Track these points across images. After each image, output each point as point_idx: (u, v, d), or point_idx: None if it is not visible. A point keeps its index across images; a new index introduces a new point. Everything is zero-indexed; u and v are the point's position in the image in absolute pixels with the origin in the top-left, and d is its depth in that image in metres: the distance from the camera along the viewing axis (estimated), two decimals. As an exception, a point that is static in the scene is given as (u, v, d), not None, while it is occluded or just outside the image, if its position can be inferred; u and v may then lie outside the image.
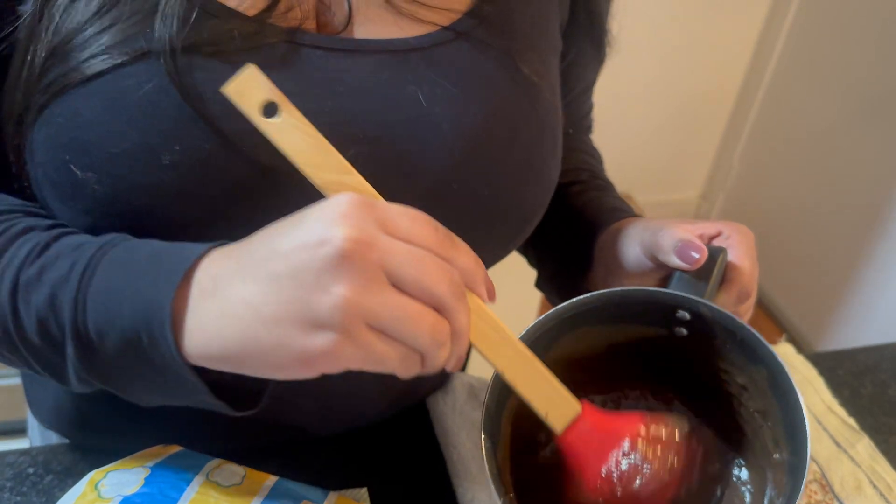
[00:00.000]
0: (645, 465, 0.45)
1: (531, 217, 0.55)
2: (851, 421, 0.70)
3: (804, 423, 0.44)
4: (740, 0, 2.10)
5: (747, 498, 0.51)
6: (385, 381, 0.62)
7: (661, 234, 0.51)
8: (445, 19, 0.48)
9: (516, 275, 0.74)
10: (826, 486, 0.64)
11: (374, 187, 0.41)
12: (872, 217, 1.87)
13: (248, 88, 0.37)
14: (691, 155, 2.41)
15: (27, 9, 0.44)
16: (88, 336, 0.40)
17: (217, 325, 0.37)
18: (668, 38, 2.07)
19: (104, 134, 0.42)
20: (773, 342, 0.81)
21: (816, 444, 0.68)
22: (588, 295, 0.48)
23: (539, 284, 0.69)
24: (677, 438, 0.46)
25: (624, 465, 0.44)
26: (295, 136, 0.37)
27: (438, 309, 0.37)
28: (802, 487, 0.43)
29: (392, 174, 0.45)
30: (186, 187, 0.43)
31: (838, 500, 0.63)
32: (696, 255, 0.49)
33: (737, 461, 0.52)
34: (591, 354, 0.52)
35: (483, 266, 0.39)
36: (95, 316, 0.39)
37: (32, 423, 0.72)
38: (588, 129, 0.75)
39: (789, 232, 2.13)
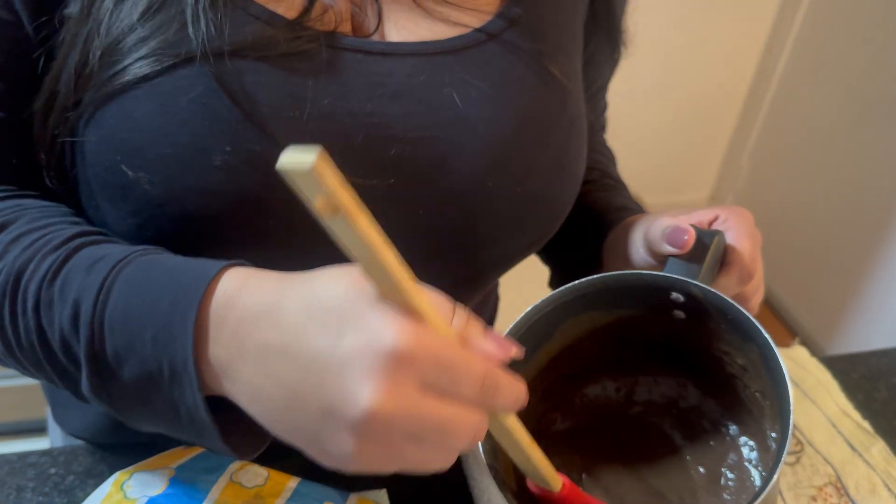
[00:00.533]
0: None
1: (560, 215, 0.56)
2: (866, 424, 0.70)
3: (789, 402, 0.44)
4: (749, 1, 2.10)
5: (756, 478, 0.51)
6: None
7: (650, 229, 0.52)
8: (476, 21, 0.49)
9: (531, 273, 0.75)
10: (841, 489, 0.64)
11: (414, 188, 0.40)
12: (884, 218, 1.86)
13: (306, 178, 0.30)
14: (700, 156, 2.41)
15: (73, 11, 0.44)
16: (105, 358, 0.39)
17: (243, 396, 0.36)
18: (677, 39, 2.07)
19: (156, 135, 0.43)
20: (786, 345, 0.82)
21: (831, 448, 0.68)
22: (582, 280, 0.49)
23: (552, 283, 0.69)
24: None
25: None
26: (351, 236, 0.32)
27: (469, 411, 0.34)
28: (781, 463, 0.42)
29: (430, 174, 0.46)
30: (238, 188, 0.43)
31: (853, 502, 0.63)
32: (685, 237, 0.50)
33: (747, 442, 0.53)
34: (600, 341, 0.52)
35: (521, 387, 0.37)
36: (114, 341, 0.38)
37: (53, 424, 0.73)
38: (602, 128, 0.75)
39: (799, 233, 2.13)
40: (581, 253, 0.64)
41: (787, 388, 0.44)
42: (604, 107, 0.73)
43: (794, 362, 0.77)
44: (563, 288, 0.49)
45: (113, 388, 0.39)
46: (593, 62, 0.63)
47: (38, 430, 1.43)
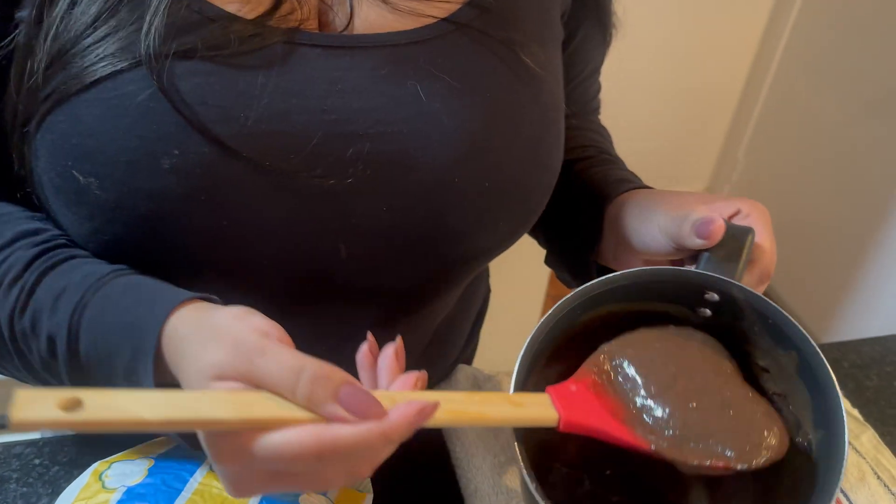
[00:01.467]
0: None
1: (536, 207, 0.55)
2: (855, 412, 0.70)
3: (840, 407, 0.44)
4: (741, 10, 2.09)
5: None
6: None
7: (683, 223, 0.50)
8: (444, 12, 0.48)
9: (524, 257, 0.74)
10: (830, 477, 0.64)
11: (376, 185, 0.40)
12: (878, 210, 1.86)
13: (28, 405, 0.29)
14: (697, 148, 2.40)
15: (23, 16, 0.44)
16: (81, 360, 0.42)
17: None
18: (673, 32, 2.06)
19: (105, 140, 0.42)
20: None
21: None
22: (617, 274, 0.48)
23: (549, 261, 0.68)
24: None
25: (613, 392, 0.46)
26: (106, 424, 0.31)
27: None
28: (843, 468, 0.43)
29: (393, 171, 0.45)
30: (188, 191, 0.43)
31: (842, 491, 0.63)
32: (711, 227, 0.48)
33: None
34: (615, 333, 0.51)
35: (402, 426, 0.36)
36: (94, 375, 0.42)
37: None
38: (596, 110, 0.75)
39: (794, 224, 2.12)
40: (579, 228, 0.63)
41: (838, 397, 0.44)
42: (597, 89, 0.73)
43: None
44: (595, 281, 0.48)
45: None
46: (584, 47, 0.63)
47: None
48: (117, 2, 0.42)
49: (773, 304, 0.46)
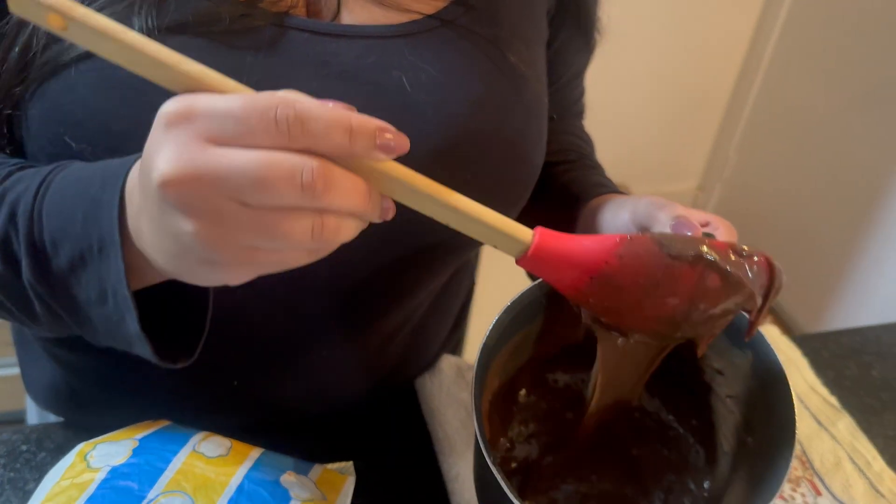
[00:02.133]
0: (621, 290, 0.41)
1: (516, 201, 0.56)
2: (833, 400, 0.71)
3: (791, 403, 0.44)
4: (732, 6, 2.11)
5: (706, 483, 0.51)
6: (371, 361, 0.63)
7: (661, 209, 0.50)
8: (431, 8, 0.49)
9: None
10: (806, 462, 0.65)
11: None
12: (865, 205, 1.87)
13: (32, 6, 0.31)
14: (688, 146, 2.41)
15: None
16: (43, 246, 0.40)
17: (148, 246, 0.37)
18: (664, 29, 2.07)
19: (98, 109, 0.43)
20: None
21: (798, 423, 0.68)
22: None
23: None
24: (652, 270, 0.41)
25: (599, 288, 0.41)
26: (99, 42, 0.33)
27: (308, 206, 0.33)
28: (789, 468, 0.43)
29: None
30: None
31: (818, 475, 0.64)
32: (690, 233, 0.48)
33: (694, 448, 0.53)
34: (569, 332, 0.52)
35: (367, 129, 0.33)
36: (50, 227, 0.40)
37: (30, 407, 0.74)
38: (579, 114, 0.75)
39: (785, 222, 2.14)
40: (555, 229, 0.64)
41: (790, 396, 0.45)
42: (580, 93, 0.74)
43: (765, 341, 0.78)
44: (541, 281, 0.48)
45: (51, 278, 0.41)
46: (565, 51, 0.63)
47: (18, 421, 1.44)
48: None
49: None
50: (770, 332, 0.80)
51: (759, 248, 0.46)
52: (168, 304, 0.44)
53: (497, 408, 0.52)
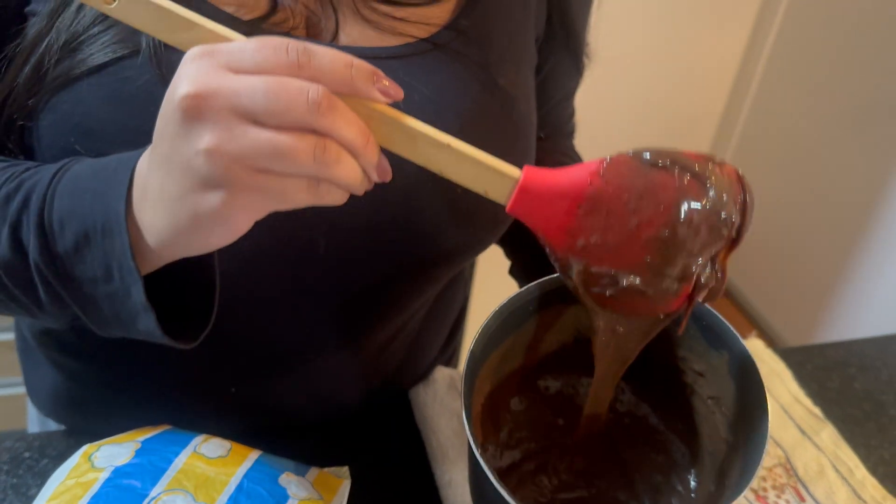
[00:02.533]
0: (608, 213, 0.41)
1: (503, 217, 0.58)
2: (817, 410, 0.73)
3: (765, 399, 0.46)
4: (725, 15, 2.15)
5: (692, 483, 0.53)
6: (367, 369, 0.65)
7: None
8: (425, 33, 0.52)
9: (507, 264, 0.77)
10: (790, 469, 0.66)
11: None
12: (853, 224, 1.91)
13: None
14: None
15: (35, 8, 0.47)
16: (51, 227, 0.42)
17: (149, 217, 0.39)
18: (654, 51, 2.11)
19: (107, 120, 0.46)
20: (744, 337, 0.84)
21: (782, 432, 0.70)
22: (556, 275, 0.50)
23: (512, 272, 0.72)
24: (633, 182, 0.41)
25: (587, 218, 0.41)
26: (138, 10, 0.39)
27: (309, 128, 0.35)
28: (760, 464, 0.44)
29: None
30: None
31: (802, 483, 0.66)
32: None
33: (680, 449, 0.55)
34: (559, 339, 0.54)
35: (365, 68, 0.37)
36: (60, 207, 0.42)
37: (32, 416, 0.75)
38: (570, 134, 0.78)
39: (774, 239, 2.17)
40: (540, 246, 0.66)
41: (763, 392, 0.46)
42: (570, 113, 0.76)
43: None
44: (539, 281, 0.50)
45: (57, 259, 0.42)
46: (555, 73, 0.66)
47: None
48: None
49: (707, 307, 0.48)
50: (754, 345, 0.82)
51: (749, 265, 0.48)
52: (173, 292, 0.45)
53: (489, 413, 0.54)
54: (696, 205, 0.40)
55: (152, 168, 0.39)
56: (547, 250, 0.43)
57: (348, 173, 0.37)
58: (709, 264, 0.42)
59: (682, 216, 0.40)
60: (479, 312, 0.87)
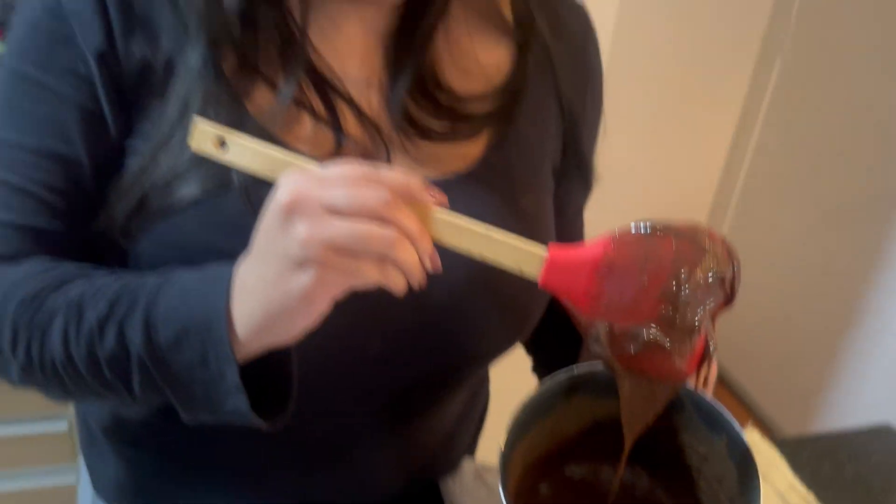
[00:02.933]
0: (622, 275, 0.50)
1: (531, 321, 0.66)
2: (811, 497, 0.80)
3: (757, 476, 0.52)
4: (706, 126, 2.30)
5: None
6: (404, 462, 0.72)
7: None
8: (461, 165, 0.62)
9: (525, 360, 0.85)
10: (789, 551, 0.73)
11: (400, 298, 0.51)
12: (838, 317, 1.99)
13: (202, 136, 0.49)
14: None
15: (135, 143, 0.57)
16: (155, 323, 0.50)
17: (247, 307, 0.48)
18: (642, 161, 2.24)
19: (202, 245, 0.55)
20: (742, 426, 0.91)
21: (780, 516, 0.77)
22: (581, 365, 0.57)
23: (536, 370, 0.79)
24: (639, 248, 0.51)
25: (605, 282, 0.50)
26: (248, 156, 0.49)
27: (380, 220, 0.45)
28: None
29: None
30: None
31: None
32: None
33: None
34: (579, 427, 0.62)
35: (418, 179, 0.48)
36: (165, 306, 0.51)
37: (84, 496, 0.80)
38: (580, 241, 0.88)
39: (765, 333, 2.25)
40: (562, 344, 0.74)
41: (755, 468, 0.52)
42: (581, 225, 0.85)
43: (749, 444, 0.87)
44: (560, 373, 0.57)
45: (157, 349, 0.50)
46: (568, 194, 0.75)
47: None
48: None
49: (705, 395, 0.56)
50: (752, 437, 0.89)
51: (744, 355, 0.56)
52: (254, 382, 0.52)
53: (519, 499, 0.60)
54: (693, 261, 0.50)
55: (250, 264, 0.49)
56: (575, 318, 0.52)
57: (409, 257, 0.47)
58: (710, 319, 0.51)
59: (683, 271, 0.50)
60: (499, 403, 0.94)
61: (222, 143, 0.49)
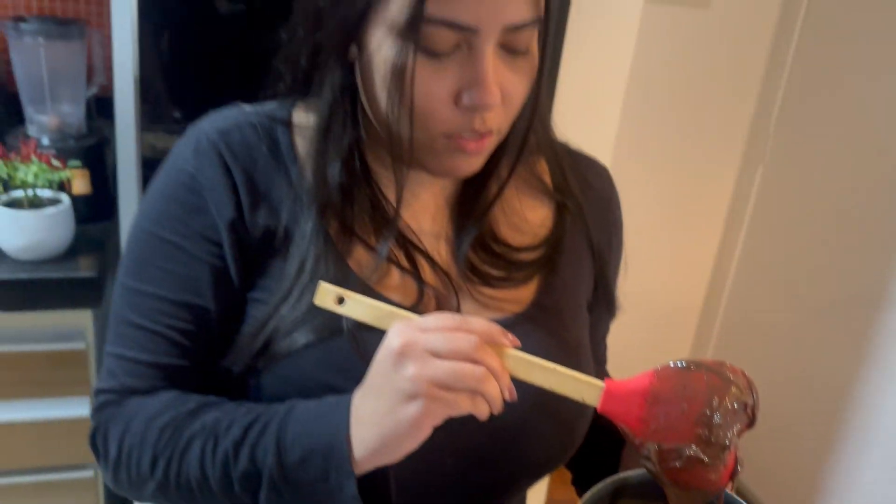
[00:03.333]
0: (666, 403, 0.61)
1: (578, 439, 0.77)
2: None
3: None
4: (695, 233, 2.46)
5: None
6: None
7: None
8: (517, 308, 0.75)
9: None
10: None
11: (468, 423, 0.61)
12: (831, 414, 2.09)
13: (325, 295, 0.62)
14: (668, 357, 2.65)
15: (258, 295, 0.70)
16: (285, 446, 0.61)
17: (363, 433, 0.59)
18: (634, 255, 2.38)
19: (317, 382, 0.66)
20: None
21: None
22: (631, 472, 0.67)
23: (575, 482, 0.89)
24: (678, 381, 0.62)
25: (653, 409, 0.61)
26: (362, 310, 0.62)
27: (472, 361, 0.56)
28: None
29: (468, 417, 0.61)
30: None
31: None
32: None
33: None
34: None
35: (498, 327, 0.59)
36: (293, 431, 0.62)
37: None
38: (604, 362, 0.99)
39: (762, 423, 2.34)
40: (601, 460, 0.83)
41: None
42: (605, 347, 0.97)
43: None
44: (606, 481, 0.66)
45: (285, 468, 0.61)
46: (596, 323, 0.87)
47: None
48: None
49: (739, 500, 0.67)
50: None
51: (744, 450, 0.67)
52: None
53: None
54: (722, 391, 0.62)
55: (366, 398, 0.60)
56: (628, 438, 0.63)
57: (493, 389, 0.58)
58: (737, 438, 0.63)
59: (714, 400, 0.62)
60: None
61: (341, 300, 0.62)
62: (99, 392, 0.71)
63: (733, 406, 0.62)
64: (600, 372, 0.95)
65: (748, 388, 0.64)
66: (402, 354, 0.57)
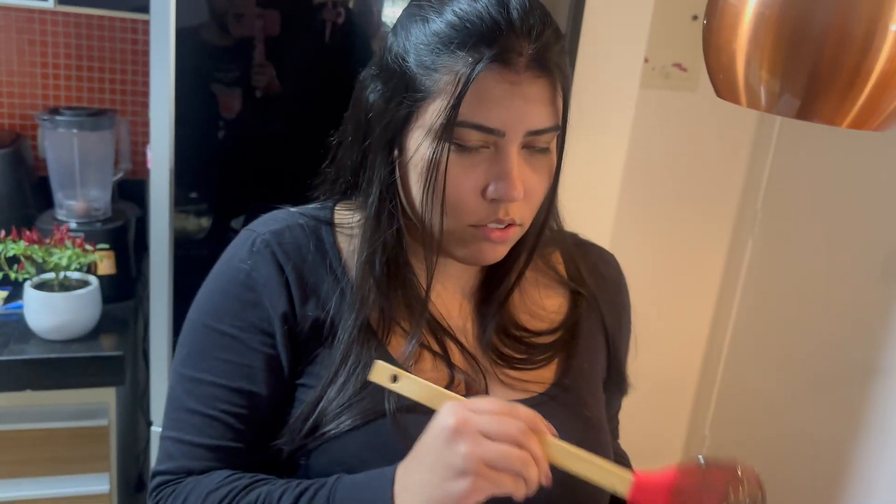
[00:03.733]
0: (688, 496, 0.68)
1: (600, 497, 0.82)
2: None
3: None
4: (690, 304, 2.53)
5: None
6: None
7: None
8: (540, 388, 0.81)
9: None
10: None
11: None
12: (829, 480, 2.13)
13: (381, 373, 0.68)
14: (665, 434, 2.69)
15: (306, 381, 0.76)
16: None
17: (409, 502, 0.63)
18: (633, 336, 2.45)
19: (362, 461, 0.71)
20: None
21: None
22: None
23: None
24: (699, 477, 0.70)
25: (677, 500, 0.68)
26: (414, 388, 0.67)
27: (518, 445, 0.61)
28: None
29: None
30: None
31: None
32: None
33: None
34: None
35: (539, 416, 0.65)
36: (341, 499, 0.67)
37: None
38: (617, 436, 1.05)
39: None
40: None
41: None
42: (617, 421, 1.03)
43: None
44: None
45: None
46: (611, 399, 0.93)
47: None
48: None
49: None
50: None
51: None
52: None
53: None
54: (735, 487, 0.70)
55: (414, 470, 0.65)
56: None
57: (534, 474, 0.63)
58: None
59: (731, 494, 0.69)
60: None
61: (394, 379, 0.68)
62: (156, 474, 0.77)
63: (745, 501, 0.70)
64: (614, 446, 1.01)
65: (757, 485, 0.71)
66: (457, 432, 0.61)
